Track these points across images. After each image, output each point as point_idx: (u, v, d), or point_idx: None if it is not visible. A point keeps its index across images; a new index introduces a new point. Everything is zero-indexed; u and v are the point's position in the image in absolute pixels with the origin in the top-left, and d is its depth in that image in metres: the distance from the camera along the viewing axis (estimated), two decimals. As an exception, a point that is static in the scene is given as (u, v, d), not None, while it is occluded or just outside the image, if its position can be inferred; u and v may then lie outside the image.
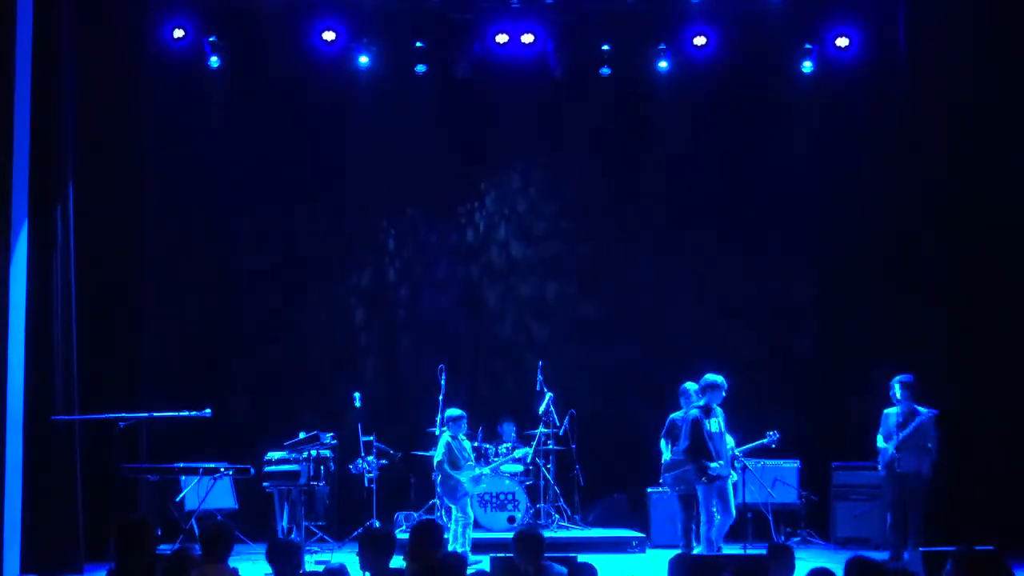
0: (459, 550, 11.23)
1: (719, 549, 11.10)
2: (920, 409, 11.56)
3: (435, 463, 12.09)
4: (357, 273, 14.82)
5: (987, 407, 12.56)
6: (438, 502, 13.15)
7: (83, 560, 11.51)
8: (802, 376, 14.36)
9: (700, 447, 11.05)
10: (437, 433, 13.12)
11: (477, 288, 15.02)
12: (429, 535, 7.22)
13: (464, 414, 12.19)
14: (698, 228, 14.72)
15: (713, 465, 11.00)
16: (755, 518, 12.38)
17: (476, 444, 13.20)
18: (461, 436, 12.15)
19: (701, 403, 11.28)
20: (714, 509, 11.11)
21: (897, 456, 11.46)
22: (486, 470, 12.55)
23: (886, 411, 11.72)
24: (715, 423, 11.20)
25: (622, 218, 14.90)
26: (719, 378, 11.28)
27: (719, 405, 11.29)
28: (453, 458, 11.92)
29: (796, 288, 14.55)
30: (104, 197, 12.58)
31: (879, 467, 11.77)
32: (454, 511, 11.91)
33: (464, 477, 11.88)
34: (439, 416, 13.05)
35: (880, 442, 11.69)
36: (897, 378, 11.67)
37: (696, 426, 11.09)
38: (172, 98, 13.77)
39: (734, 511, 11.20)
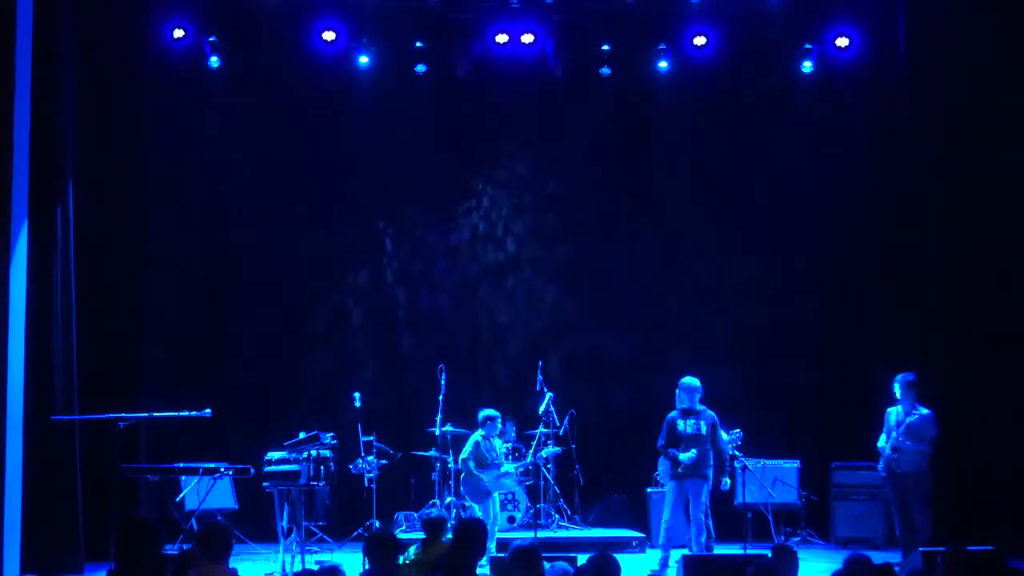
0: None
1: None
2: (922, 409, 11.50)
3: (460, 460, 12.14)
4: (357, 273, 14.81)
5: (987, 407, 12.55)
6: (437, 501, 13.19)
7: (83, 560, 11.52)
8: (802, 376, 14.34)
9: (670, 444, 11.33)
10: (438, 433, 13.16)
11: (477, 288, 15.01)
12: (477, 535, 7.12)
13: (499, 415, 12.29)
14: (699, 228, 14.73)
15: (683, 457, 11.18)
16: (755, 518, 12.38)
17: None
18: (494, 437, 12.18)
19: (683, 405, 11.39)
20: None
21: (895, 456, 11.37)
22: (511, 468, 12.50)
23: (888, 410, 11.63)
24: (690, 424, 11.32)
25: (623, 218, 14.90)
26: (692, 380, 11.40)
27: (697, 406, 11.39)
28: (479, 457, 11.98)
29: (796, 287, 14.53)
30: (104, 197, 12.60)
31: (879, 467, 11.70)
32: (476, 510, 11.96)
33: (487, 476, 11.92)
34: (439, 416, 13.08)
35: (881, 441, 11.63)
36: (899, 376, 11.61)
37: (670, 425, 11.36)
38: (172, 98, 13.77)
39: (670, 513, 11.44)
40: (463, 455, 12.06)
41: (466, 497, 12.26)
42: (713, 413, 11.40)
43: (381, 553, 7.07)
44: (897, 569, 8.88)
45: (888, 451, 11.38)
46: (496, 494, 12.32)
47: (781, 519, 13.40)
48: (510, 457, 13.46)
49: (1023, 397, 12.63)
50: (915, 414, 11.38)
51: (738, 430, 11.54)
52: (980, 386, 12.65)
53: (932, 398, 11.79)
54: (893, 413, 11.55)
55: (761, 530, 12.68)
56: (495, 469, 12.02)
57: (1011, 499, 12.42)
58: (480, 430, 12.16)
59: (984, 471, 12.50)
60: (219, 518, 12.38)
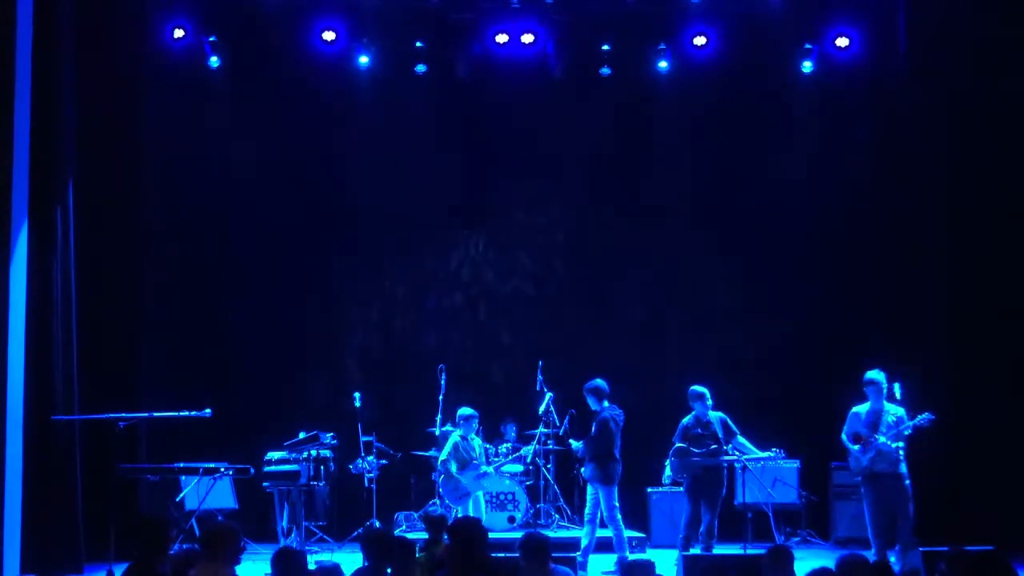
0: None
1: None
2: (889, 406, 11.08)
3: (439, 462, 12.15)
4: (357, 272, 14.80)
5: (987, 407, 12.54)
6: (438, 501, 13.19)
7: (83, 560, 11.52)
8: (802, 376, 14.34)
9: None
10: (438, 433, 13.17)
11: (477, 287, 15.01)
12: (477, 537, 7.12)
13: (476, 413, 12.39)
14: (698, 228, 14.73)
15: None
16: (755, 518, 12.37)
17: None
18: (471, 435, 12.21)
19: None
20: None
21: (876, 456, 10.99)
22: (489, 469, 12.55)
23: (856, 409, 11.23)
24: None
25: (622, 218, 14.90)
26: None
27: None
28: (459, 457, 12.01)
29: (796, 287, 14.53)
30: (104, 197, 12.59)
31: (851, 466, 11.29)
32: (456, 511, 11.95)
33: (465, 477, 11.93)
34: (439, 416, 13.09)
35: (846, 442, 11.22)
36: (874, 374, 11.16)
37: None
38: (172, 98, 13.77)
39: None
40: (442, 456, 12.10)
41: (444, 498, 12.28)
42: (606, 414, 11.55)
43: (377, 551, 7.08)
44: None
45: (872, 451, 11.09)
46: (480, 494, 12.32)
47: (781, 519, 13.40)
48: (505, 456, 13.46)
49: (1022, 397, 12.64)
50: (888, 414, 11.05)
51: (780, 450, 11.66)
52: (981, 386, 12.65)
53: (932, 398, 11.76)
54: (862, 412, 11.17)
55: (761, 530, 12.67)
56: (474, 470, 12.06)
57: (1011, 499, 12.42)
58: (458, 430, 12.21)
59: (983, 471, 12.49)
60: (219, 518, 12.43)
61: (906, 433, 11.02)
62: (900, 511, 11.01)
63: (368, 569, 7.21)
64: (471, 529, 7.15)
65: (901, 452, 11.06)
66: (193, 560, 6.98)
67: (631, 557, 11.32)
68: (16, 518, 11.09)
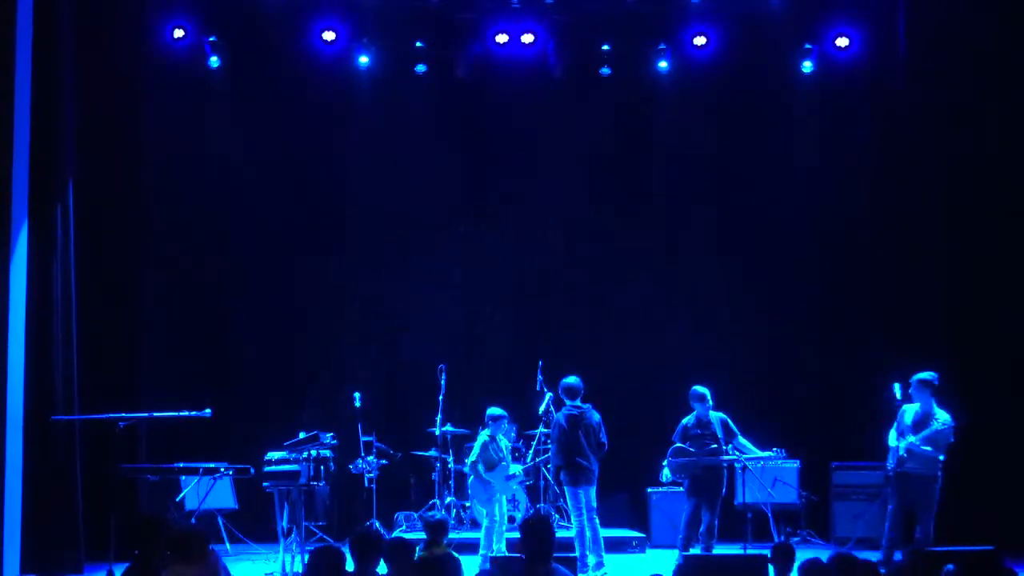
0: (491, 553, 11.18)
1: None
2: (942, 414, 11.11)
3: (468, 463, 12.04)
4: (357, 272, 14.79)
5: (988, 407, 12.53)
6: (438, 502, 13.17)
7: (83, 560, 11.53)
8: (802, 376, 14.35)
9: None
10: (437, 433, 13.16)
11: (476, 287, 15.00)
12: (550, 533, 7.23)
13: (505, 414, 12.12)
14: (698, 227, 14.74)
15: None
16: (755, 518, 12.37)
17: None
18: (499, 436, 12.07)
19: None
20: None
21: (905, 457, 10.98)
22: (517, 468, 12.35)
23: (904, 407, 11.19)
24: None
25: (622, 218, 14.90)
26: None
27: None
28: (487, 458, 11.84)
29: (796, 288, 14.53)
30: (104, 197, 12.62)
31: (888, 465, 11.26)
32: (484, 513, 11.86)
33: (494, 478, 11.82)
34: (439, 416, 13.08)
35: (892, 439, 11.17)
36: (924, 375, 11.11)
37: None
38: (172, 98, 13.78)
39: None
40: (471, 458, 11.91)
41: (473, 500, 12.17)
42: (556, 416, 11.58)
43: (365, 553, 7.11)
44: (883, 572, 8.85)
45: (901, 451, 11.08)
46: (503, 496, 12.24)
47: (781, 519, 13.41)
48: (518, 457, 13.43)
49: (1022, 397, 12.64)
50: (935, 420, 10.97)
51: (781, 450, 11.67)
52: (980, 386, 12.63)
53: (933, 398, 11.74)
54: (909, 412, 11.12)
55: (761, 530, 12.67)
56: (502, 471, 11.93)
57: (1011, 499, 12.42)
58: (486, 430, 12.07)
59: (983, 472, 12.48)
60: (219, 519, 12.45)
61: (949, 441, 10.97)
62: (921, 514, 10.97)
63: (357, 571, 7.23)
64: (543, 524, 7.26)
65: (941, 456, 11.00)
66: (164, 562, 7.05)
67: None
68: (16, 518, 11.09)
